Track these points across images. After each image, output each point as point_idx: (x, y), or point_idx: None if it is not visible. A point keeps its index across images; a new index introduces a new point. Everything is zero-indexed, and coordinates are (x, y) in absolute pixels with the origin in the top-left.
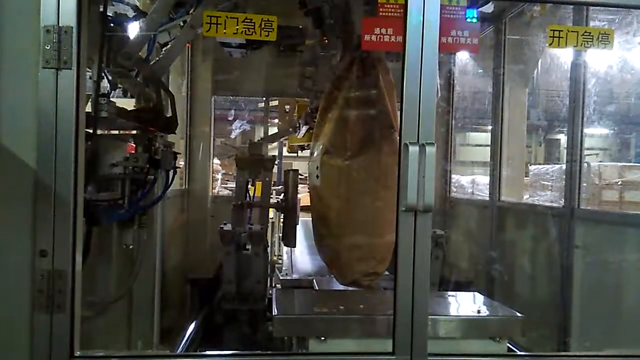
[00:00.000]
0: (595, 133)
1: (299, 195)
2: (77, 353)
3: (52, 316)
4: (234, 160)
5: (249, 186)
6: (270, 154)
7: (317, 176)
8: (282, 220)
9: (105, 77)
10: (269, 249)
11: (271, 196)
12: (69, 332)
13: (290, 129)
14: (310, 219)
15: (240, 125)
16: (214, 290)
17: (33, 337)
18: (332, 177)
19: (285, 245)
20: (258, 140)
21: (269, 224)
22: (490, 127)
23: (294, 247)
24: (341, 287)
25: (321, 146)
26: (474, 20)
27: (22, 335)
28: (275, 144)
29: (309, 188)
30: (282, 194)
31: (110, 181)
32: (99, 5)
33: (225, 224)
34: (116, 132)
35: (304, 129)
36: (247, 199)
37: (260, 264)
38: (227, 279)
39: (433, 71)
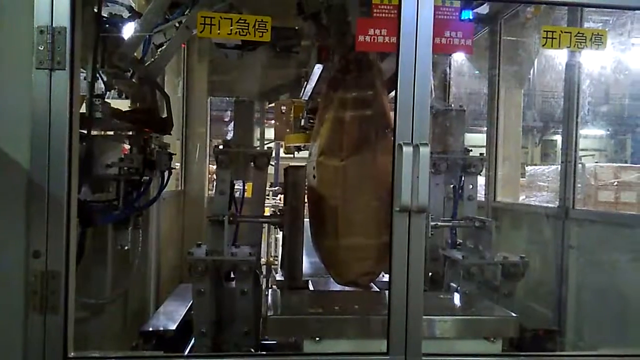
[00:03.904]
0: (590, 134)
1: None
2: (71, 354)
3: (45, 317)
4: (214, 155)
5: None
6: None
7: (314, 176)
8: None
9: (100, 78)
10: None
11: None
12: (63, 333)
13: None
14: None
15: None
16: (180, 345)
17: (27, 338)
18: (329, 177)
19: (288, 286)
20: (249, 98)
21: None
22: (486, 128)
23: (305, 286)
24: (337, 288)
25: (318, 147)
26: (468, 21)
27: (16, 337)
28: (271, 144)
29: (306, 189)
30: (280, 196)
31: (105, 182)
32: (94, 6)
33: (198, 244)
34: (111, 133)
35: (315, 75)
36: (234, 210)
37: (248, 306)
38: (198, 330)
39: (427, 72)
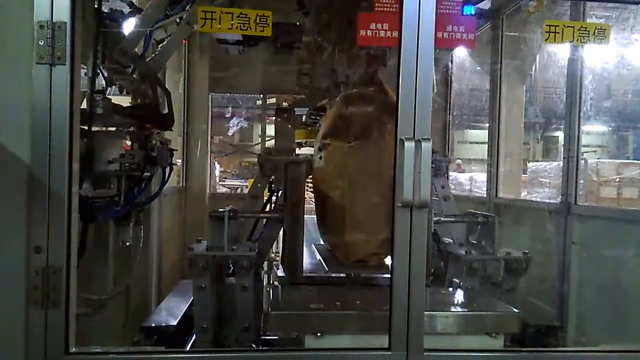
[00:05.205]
0: (593, 130)
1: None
2: (73, 349)
3: (47, 312)
4: (258, 162)
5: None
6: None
7: (321, 157)
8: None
9: (100, 74)
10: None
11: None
12: (64, 328)
13: None
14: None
15: (238, 123)
16: (182, 340)
17: (28, 334)
18: (335, 159)
19: (289, 281)
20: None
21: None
22: (487, 124)
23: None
24: (338, 284)
25: (323, 128)
26: (471, 15)
27: (17, 332)
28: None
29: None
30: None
31: (107, 178)
32: (94, 1)
33: (199, 240)
34: (112, 128)
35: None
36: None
37: (248, 302)
38: (199, 325)
39: (429, 67)
